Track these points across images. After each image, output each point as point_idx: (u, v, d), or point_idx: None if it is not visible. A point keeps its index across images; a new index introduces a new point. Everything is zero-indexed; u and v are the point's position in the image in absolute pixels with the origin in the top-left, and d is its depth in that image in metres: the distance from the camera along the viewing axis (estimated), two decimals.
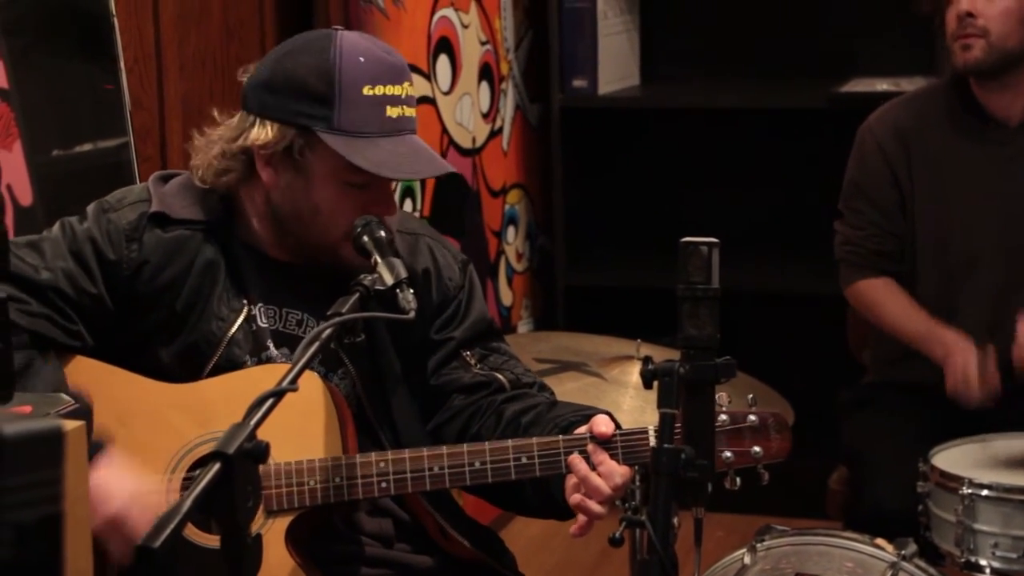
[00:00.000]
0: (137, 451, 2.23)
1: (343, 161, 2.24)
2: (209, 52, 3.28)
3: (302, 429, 2.24)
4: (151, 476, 2.23)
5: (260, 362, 2.32)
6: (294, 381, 1.91)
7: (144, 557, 1.63)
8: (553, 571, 4.19)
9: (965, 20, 3.18)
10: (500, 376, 2.40)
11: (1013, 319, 3.23)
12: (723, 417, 2.21)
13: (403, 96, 2.28)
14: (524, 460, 2.21)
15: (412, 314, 2.13)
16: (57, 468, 1.13)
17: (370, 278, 2.16)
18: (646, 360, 1.83)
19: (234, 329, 2.31)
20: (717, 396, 2.13)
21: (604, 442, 2.19)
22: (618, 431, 2.21)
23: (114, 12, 2.87)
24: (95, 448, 2.17)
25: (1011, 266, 3.26)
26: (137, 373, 2.31)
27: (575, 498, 2.19)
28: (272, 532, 2.22)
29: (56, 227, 2.35)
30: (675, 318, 1.85)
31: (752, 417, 2.24)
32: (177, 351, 2.31)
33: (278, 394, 1.87)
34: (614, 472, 2.17)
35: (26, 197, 2.69)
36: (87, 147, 2.84)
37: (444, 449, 2.24)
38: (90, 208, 2.36)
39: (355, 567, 2.35)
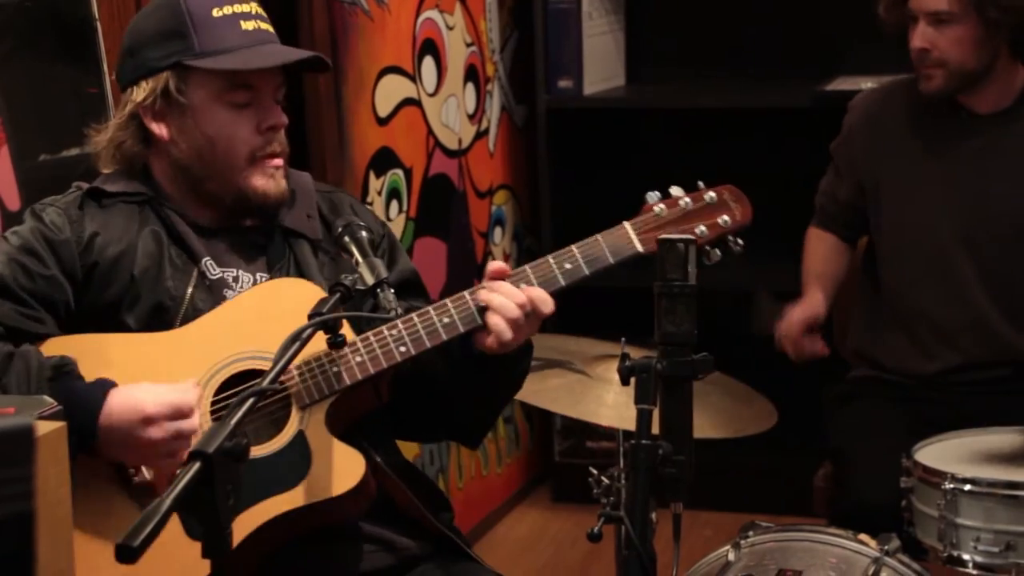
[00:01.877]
0: None
1: (217, 83, 2.34)
2: None
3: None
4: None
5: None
6: (275, 380, 1.93)
7: (124, 555, 1.64)
8: (540, 572, 4.20)
9: (921, 55, 3.23)
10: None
11: (980, 312, 3.26)
12: (686, 200, 2.42)
13: (253, 12, 2.39)
14: (445, 320, 2.26)
15: (394, 313, 2.15)
16: (28, 466, 1.14)
17: (351, 278, 2.19)
18: (623, 357, 1.85)
19: (191, 287, 2.36)
20: (671, 189, 2.47)
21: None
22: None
23: (96, 16, 2.88)
24: (102, 386, 2.19)
25: (976, 259, 3.29)
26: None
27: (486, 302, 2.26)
28: (313, 424, 2.25)
29: None
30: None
31: (710, 194, 2.45)
32: (143, 314, 2.34)
33: (259, 393, 1.89)
34: (543, 295, 2.30)
35: (13, 202, 2.70)
36: (74, 151, 2.85)
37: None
38: (25, 214, 2.42)
39: (343, 544, 2.35)
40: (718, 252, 2.39)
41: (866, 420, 3.30)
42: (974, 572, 2.76)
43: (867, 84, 4.03)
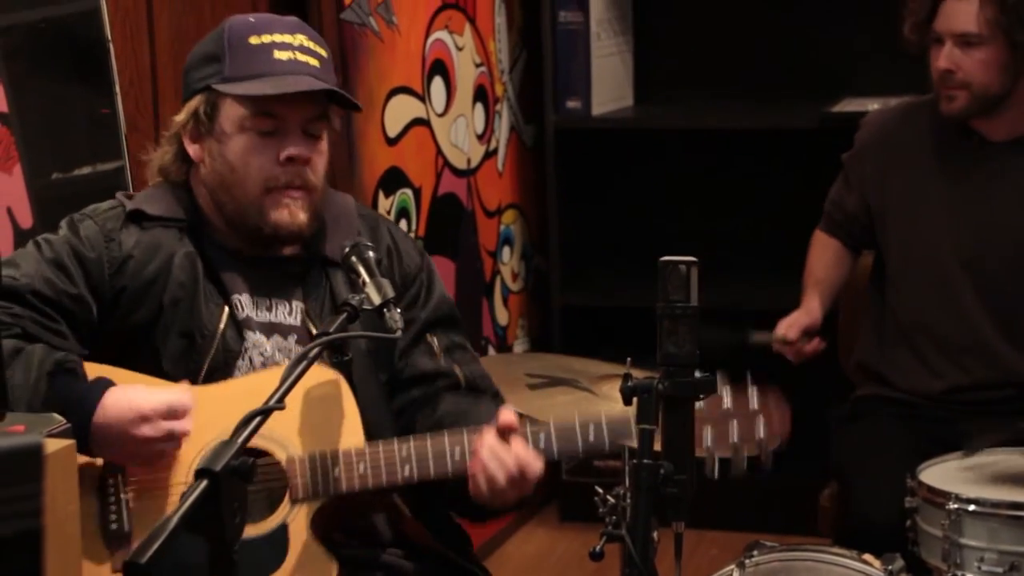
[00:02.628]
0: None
1: (240, 109, 2.33)
2: None
3: (323, 422, 2.29)
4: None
5: (248, 350, 2.37)
6: (281, 400, 1.96)
7: (133, 573, 1.66)
8: None
9: (945, 76, 3.24)
10: (459, 371, 2.46)
11: (982, 335, 3.28)
12: (727, 402, 2.28)
13: (295, 44, 2.36)
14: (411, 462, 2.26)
15: (400, 333, 2.17)
16: (37, 483, 1.16)
17: (358, 298, 2.21)
18: (626, 377, 1.86)
19: (223, 324, 2.36)
20: (722, 389, 2.27)
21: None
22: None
23: (109, 36, 2.91)
24: (101, 384, 2.22)
25: (978, 282, 3.31)
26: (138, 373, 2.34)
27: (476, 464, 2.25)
28: (298, 521, 2.26)
29: (30, 244, 2.41)
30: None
31: (754, 399, 2.31)
32: (173, 347, 2.35)
33: (265, 412, 1.91)
34: (532, 462, 2.26)
35: (26, 220, 2.73)
36: (86, 170, 2.87)
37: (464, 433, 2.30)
38: (63, 221, 2.43)
39: (351, 569, 2.37)
40: (745, 465, 2.31)
41: (871, 440, 3.31)
42: None
43: (873, 105, 4.05)
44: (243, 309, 2.38)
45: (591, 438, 2.31)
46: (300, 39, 2.37)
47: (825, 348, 3.40)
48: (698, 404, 2.23)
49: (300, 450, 2.27)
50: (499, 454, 2.24)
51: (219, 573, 1.77)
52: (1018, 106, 3.29)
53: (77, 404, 2.16)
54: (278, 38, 2.36)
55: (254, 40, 2.35)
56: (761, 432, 2.29)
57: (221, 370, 2.35)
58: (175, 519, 1.71)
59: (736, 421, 2.27)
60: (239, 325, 2.36)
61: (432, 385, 2.45)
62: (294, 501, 2.26)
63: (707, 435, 2.25)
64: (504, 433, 2.27)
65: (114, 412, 2.18)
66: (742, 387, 2.33)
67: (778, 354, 3.41)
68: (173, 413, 2.19)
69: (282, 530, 2.25)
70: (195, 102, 2.38)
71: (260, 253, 2.40)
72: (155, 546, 1.67)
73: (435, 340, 2.47)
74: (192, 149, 2.40)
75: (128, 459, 2.22)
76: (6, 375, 2.21)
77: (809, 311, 3.40)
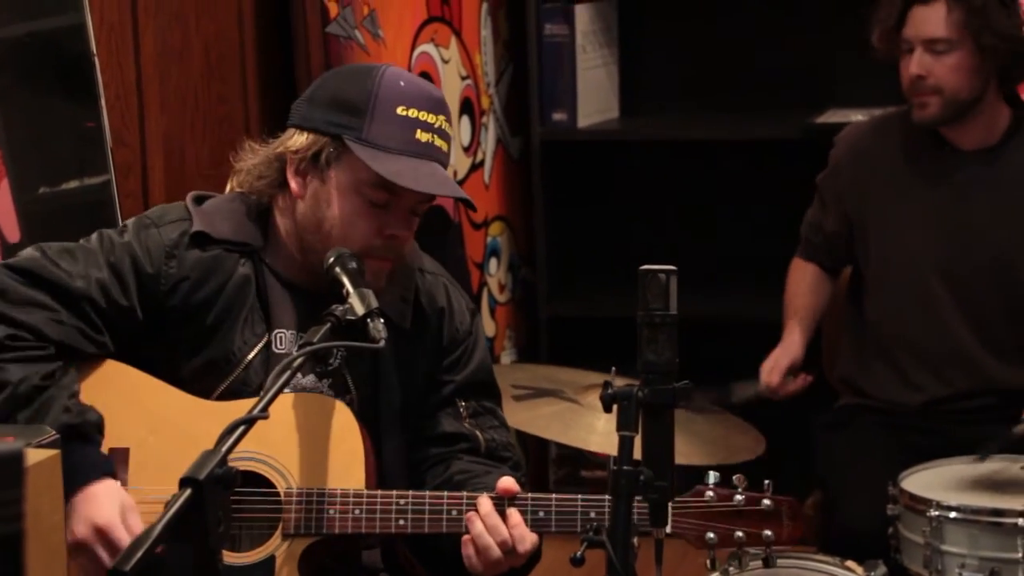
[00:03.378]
0: (163, 461, 2.28)
1: (366, 174, 2.30)
2: (190, 89, 3.33)
3: (327, 458, 2.29)
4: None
5: None
6: (265, 409, 1.96)
7: None
8: None
9: (916, 82, 3.27)
10: (480, 436, 2.45)
11: (961, 344, 3.30)
12: (738, 498, 2.27)
13: (436, 126, 2.34)
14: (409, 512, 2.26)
15: (382, 343, 2.18)
16: (17, 489, 1.18)
17: (341, 308, 2.21)
18: (605, 385, 1.88)
19: (253, 354, 2.36)
20: (735, 479, 2.27)
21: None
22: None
23: (95, 51, 2.92)
24: (103, 463, 2.22)
25: (957, 292, 3.33)
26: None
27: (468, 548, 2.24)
28: (286, 556, 2.26)
29: (95, 237, 2.40)
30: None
31: (767, 502, 2.28)
32: (197, 366, 2.36)
33: (249, 421, 1.92)
34: (525, 537, 2.23)
35: (13, 234, 2.74)
36: (73, 184, 2.89)
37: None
38: (130, 222, 2.42)
39: None
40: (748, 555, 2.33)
41: (854, 448, 3.34)
42: None
43: (858, 116, 4.07)
44: (283, 344, 2.38)
45: (592, 515, 2.27)
46: (440, 121, 2.35)
47: (811, 382, 3.41)
48: (708, 493, 2.25)
49: (299, 483, 2.27)
50: (493, 523, 2.23)
51: None
52: (987, 113, 3.32)
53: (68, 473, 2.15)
54: (423, 116, 2.33)
55: (401, 111, 2.31)
56: (769, 538, 2.27)
57: (236, 396, 2.35)
58: (159, 527, 1.73)
59: (744, 525, 2.26)
60: (272, 360, 2.36)
61: (450, 446, 2.44)
62: (286, 535, 2.26)
63: (711, 534, 2.26)
64: (501, 502, 2.26)
65: (87, 501, 2.19)
66: (758, 491, 2.29)
67: (757, 358, 3.43)
68: (111, 545, 2.17)
69: (270, 562, 2.25)
70: (319, 143, 2.33)
71: (319, 287, 2.36)
72: (139, 553, 1.68)
73: (463, 404, 2.46)
74: (295, 182, 2.36)
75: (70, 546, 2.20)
76: (17, 417, 2.23)
77: (788, 348, 3.41)
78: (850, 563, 2.69)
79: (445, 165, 2.37)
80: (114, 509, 2.19)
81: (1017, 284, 3.30)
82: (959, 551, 2.80)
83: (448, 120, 2.38)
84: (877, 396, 3.41)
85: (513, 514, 2.24)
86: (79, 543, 2.19)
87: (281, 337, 2.38)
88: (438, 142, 2.35)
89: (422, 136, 2.33)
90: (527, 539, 2.23)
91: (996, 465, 3.03)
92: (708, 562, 2.28)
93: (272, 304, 2.39)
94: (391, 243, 2.36)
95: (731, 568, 2.69)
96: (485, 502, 2.24)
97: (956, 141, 3.35)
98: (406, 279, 2.44)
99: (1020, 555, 2.75)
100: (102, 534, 2.18)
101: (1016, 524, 2.76)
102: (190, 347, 2.36)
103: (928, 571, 2.83)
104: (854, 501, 3.15)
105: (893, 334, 3.39)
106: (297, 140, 2.36)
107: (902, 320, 3.38)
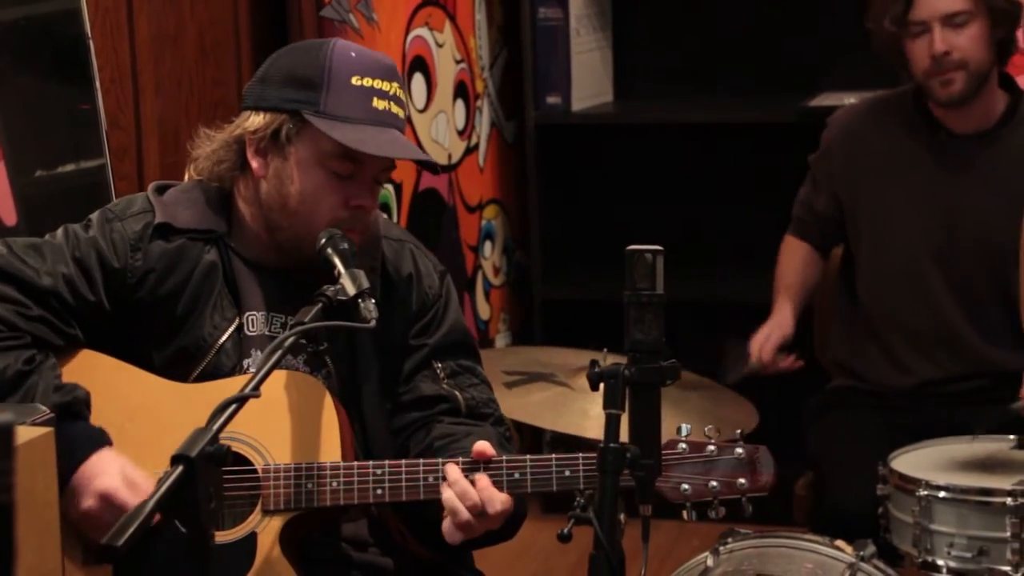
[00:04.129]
0: (142, 447, 2.29)
1: (329, 146, 2.31)
2: (185, 72, 3.34)
3: (303, 433, 2.30)
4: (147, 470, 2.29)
5: (249, 367, 2.38)
6: (257, 387, 1.98)
7: (108, 555, 1.69)
8: None
9: (942, 59, 3.26)
10: (460, 396, 2.46)
11: (952, 326, 3.32)
12: (711, 448, 2.29)
13: (391, 93, 2.35)
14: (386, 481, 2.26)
15: (373, 323, 2.19)
16: (8, 460, 1.20)
17: (333, 288, 2.22)
18: (593, 363, 1.90)
19: (224, 338, 2.37)
20: (706, 429, 2.29)
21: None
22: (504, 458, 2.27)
23: (89, 34, 2.93)
24: (98, 435, 2.24)
25: (948, 274, 3.35)
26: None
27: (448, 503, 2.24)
28: (267, 531, 2.27)
29: (60, 232, 2.40)
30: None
31: (739, 450, 2.31)
32: (169, 355, 2.37)
33: (240, 400, 1.94)
34: (494, 498, 2.23)
35: (10, 217, 2.75)
36: (69, 167, 2.90)
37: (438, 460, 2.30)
38: (94, 216, 2.42)
39: (328, 568, 2.39)
40: (723, 509, 2.32)
41: (845, 429, 3.36)
42: None
43: (851, 100, 4.08)
44: (255, 326, 2.39)
45: (566, 474, 2.29)
46: (395, 88, 2.36)
47: (801, 367, 3.43)
48: (681, 445, 2.27)
49: (276, 459, 2.28)
50: (462, 488, 2.23)
51: (195, 557, 1.80)
52: (986, 100, 3.33)
53: (66, 450, 2.15)
54: (378, 84, 2.34)
55: (355, 81, 2.32)
56: (743, 486, 2.30)
57: (210, 380, 2.36)
58: (150, 503, 1.75)
59: (718, 475, 2.28)
60: (244, 342, 2.37)
61: (431, 409, 2.44)
62: (266, 511, 2.27)
63: (686, 485, 2.27)
64: (476, 466, 2.27)
65: (87, 474, 2.20)
66: (730, 440, 2.31)
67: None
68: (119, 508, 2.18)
69: (251, 539, 2.26)
70: (277, 121, 2.34)
71: (286, 266, 2.39)
72: (131, 529, 1.70)
73: (440, 366, 2.47)
74: (256, 162, 2.37)
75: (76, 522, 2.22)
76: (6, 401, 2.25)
77: (780, 323, 3.43)
78: (840, 542, 2.71)
79: (402, 131, 2.39)
80: (115, 475, 2.21)
81: (1009, 267, 3.32)
82: (948, 530, 2.82)
83: (402, 87, 2.39)
84: (869, 378, 3.42)
85: (481, 478, 2.24)
86: (88, 514, 2.20)
87: (253, 319, 2.39)
88: (394, 109, 2.36)
89: (379, 104, 2.34)
90: (496, 499, 2.24)
91: (986, 445, 3.05)
92: (685, 513, 2.29)
93: (241, 288, 2.40)
94: (357, 213, 2.36)
95: (721, 547, 2.71)
96: (452, 469, 2.25)
97: (952, 125, 3.35)
98: (372, 249, 2.45)
99: (1008, 534, 2.77)
100: (107, 500, 2.20)
101: (1004, 503, 2.78)
102: (161, 337, 2.37)
103: (917, 550, 2.85)
104: (845, 482, 3.17)
105: (885, 316, 3.41)
106: (255, 121, 2.36)
107: (894, 303, 3.39)
